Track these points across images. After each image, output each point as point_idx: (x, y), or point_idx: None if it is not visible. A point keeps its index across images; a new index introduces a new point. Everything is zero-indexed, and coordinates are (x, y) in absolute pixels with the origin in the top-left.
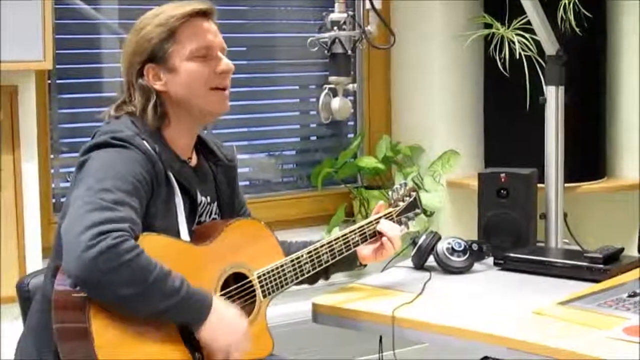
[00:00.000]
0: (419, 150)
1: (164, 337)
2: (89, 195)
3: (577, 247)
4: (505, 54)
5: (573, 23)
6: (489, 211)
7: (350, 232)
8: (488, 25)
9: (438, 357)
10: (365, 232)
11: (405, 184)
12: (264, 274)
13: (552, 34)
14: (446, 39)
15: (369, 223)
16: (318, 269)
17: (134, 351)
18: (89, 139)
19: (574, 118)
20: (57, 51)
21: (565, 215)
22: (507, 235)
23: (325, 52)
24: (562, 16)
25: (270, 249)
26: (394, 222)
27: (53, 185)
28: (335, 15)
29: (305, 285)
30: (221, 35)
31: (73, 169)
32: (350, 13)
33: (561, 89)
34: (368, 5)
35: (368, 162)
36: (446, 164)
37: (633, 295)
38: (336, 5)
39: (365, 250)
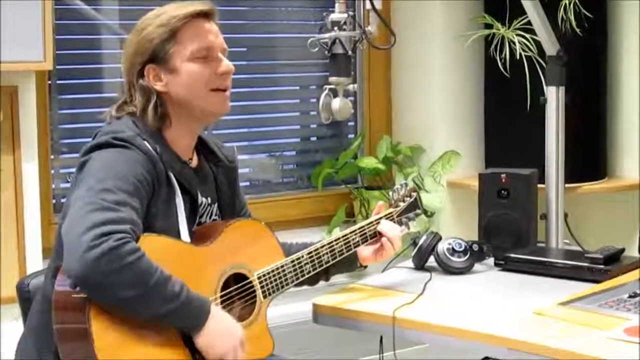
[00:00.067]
0: (419, 151)
1: (165, 339)
2: (90, 196)
3: (577, 248)
4: (505, 54)
5: (573, 23)
6: (490, 211)
7: (351, 232)
8: (488, 26)
9: (439, 357)
10: (365, 233)
11: (406, 185)
12: (264, 275)
13: (553, 34)
14: (447, 39)
15: (369, 223)
16: (318, 270)
17: (134, 352)
18: (89, 139)
19: (575, 118)
20: (57, 52)
21: (565, 215)
22: (507, 236)
23: (326, 52)
24: (562, 16)
25: (271, 249)
26: (394, 222)
27: (53, 186)
28: (335, 16)
29: (305, 286)
30: (222, 35)
31: (73, 170)
32: (351, 13)
33: (562, 89)
34: (368, 6)
35: (368, 162)
36: (447, 165)
37: (634, 295)
38: (336, 5)
39: (365, 251)
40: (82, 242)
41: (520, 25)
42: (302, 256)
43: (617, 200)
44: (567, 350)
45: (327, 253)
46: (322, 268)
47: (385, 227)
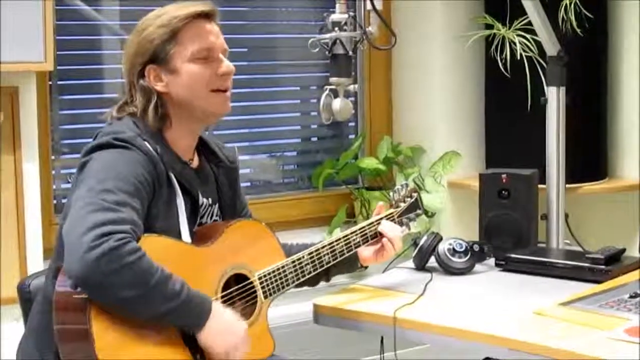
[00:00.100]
0: (420, 151)
1: (165, 339)
2: (90, 196)
3: (578, 248)
4: (506, 55)
5: (574, 24)
6: (490, 212)
7: (352, 233)
8: (489, 26)
9: (439, 357)
10: (366, 233)
11: (407, 185)
12: (265, 275)
13: (553, 34)
14: (447, 40)
15: (370, 224)
16: (319, 270)
17: (134, 352)
18: (90, 140)
19: (575, 119)
20: (58, 52)
21: (566, 216)
22: (508, 236)
23: (326, 53)
24: (563, 17)
25: (271, 250)
26: (395, 223)
27: (54, 187)
28: (336, 16)
29: (306, 287)
30: (223, 36)
31: (74, 170)
32: (351, 14)
33: (562, 89)
34: (369, 6)
35: (369, 163)
36: (447, 165)
37: (634, 296)
38: (337, 6)
39: (366, 252)
40: (82, 243)
41: (521, 25)
42: (303, 257)
43: (617, 200)
44: (568, 351)
45: (327, 253)
46: (322, 268)
47: (386, 227)
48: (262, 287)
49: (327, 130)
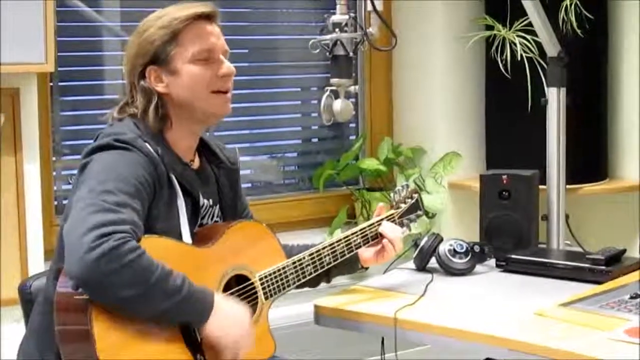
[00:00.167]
0: (420, 152)
1: (166, 340)
2: (91, 197)
3: (578, 249)
4: (506, 56)
5: (574, 24)
6: (491, 213)
7: (352, 234)
8: (489, 27)
9: (440, 358)
10: (367, 234)
11: (407, 186)
12: (265, 276)
13: (554, 35)
14: (448, 41)
15: (370, 225)
16: (320, 271)
17: (135, 353)
18: (90, 141)
19: (576, 119)
20: (58, 53)
21: (567, 216)
22: (508, 237)
23: (327, 54)
24: (563, 17)
25: (272, 251)
26: (395, 224)
27: (55, 188)
28: (336, 17)
29: (307, 288)
30: (223, 37)
31: (75, 171)
32: (352, 15)
33: (562, 90)
34: (369, 7)
35: (370, 164)
36: (448, 166)
37: (635, 296)
38: (338, 7)
39: (366, 253)
40: (82, 244)
41: (521, 26)
42: (304, 257)
43: (618, 201)
44: (568, 351)
45: (328, 254)
46: (323, 269)
47: (387, 228)
48: (263, 288)
49: (328, 131)
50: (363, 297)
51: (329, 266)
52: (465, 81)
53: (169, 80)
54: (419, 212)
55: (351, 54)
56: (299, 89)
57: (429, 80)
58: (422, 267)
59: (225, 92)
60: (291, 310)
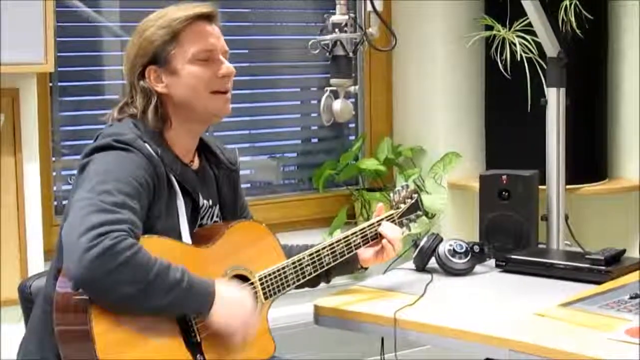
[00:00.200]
0: (420, 152)
1: (166, 340)
2: (90, 198)
3: (578, 249)
4: (506, 56)
5: (574, 24)
6: (491, 213)
7: (352, 234)
8: (489, 27)
9: (440, 358)
10: (366, 234)
11: (407, 186)
12: (265, 276)
13: (553, 35)
14: (448, 41)
15: (370, 225)
16: (319, 271)
17: (135, 353)
18: (90, 141)
19: (575, 119)
20: (58, 54)
21: (566, 216)
22: (508, 237)
23: (327, 54)
24: (563, 18)
25: (272, 251)
26: (395, 224)
27: (55, 188)
28: (336, 18)
29: (306, 288)
30: (223, 37)
31: (74, 172)
32: (352, 15)
33: (562, 90)
34: (369, 7)
35: (369, 164)
36: (447, 166)
37: (635, 296)
38: (337, 7)
39: (366, 253)
40: (80, 244)
41: (521, 26)
42: (303, 258)
43: (617, 201)
44: (568, 352)
45: (328, 254)
46: (323, 269)
47: (386, 228)
48: (263, 288)
49: (328, 132)
50: (363, 297)
51: (329, 266)
52: (465, 81)
53: (168, 81)
54: (419, 213)
55: (351, 54)
56: (298, 89)
57: (429, 80)
58: (421, 267)
59: (225, 93)
60: (291, 310)
